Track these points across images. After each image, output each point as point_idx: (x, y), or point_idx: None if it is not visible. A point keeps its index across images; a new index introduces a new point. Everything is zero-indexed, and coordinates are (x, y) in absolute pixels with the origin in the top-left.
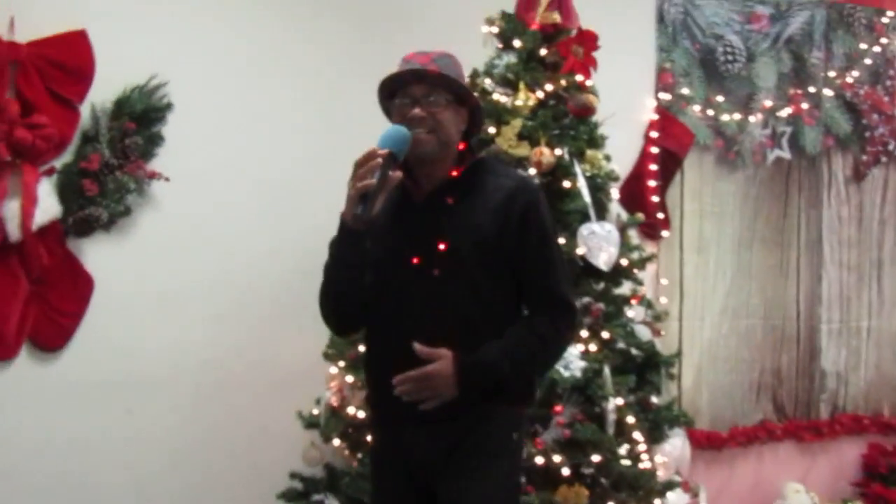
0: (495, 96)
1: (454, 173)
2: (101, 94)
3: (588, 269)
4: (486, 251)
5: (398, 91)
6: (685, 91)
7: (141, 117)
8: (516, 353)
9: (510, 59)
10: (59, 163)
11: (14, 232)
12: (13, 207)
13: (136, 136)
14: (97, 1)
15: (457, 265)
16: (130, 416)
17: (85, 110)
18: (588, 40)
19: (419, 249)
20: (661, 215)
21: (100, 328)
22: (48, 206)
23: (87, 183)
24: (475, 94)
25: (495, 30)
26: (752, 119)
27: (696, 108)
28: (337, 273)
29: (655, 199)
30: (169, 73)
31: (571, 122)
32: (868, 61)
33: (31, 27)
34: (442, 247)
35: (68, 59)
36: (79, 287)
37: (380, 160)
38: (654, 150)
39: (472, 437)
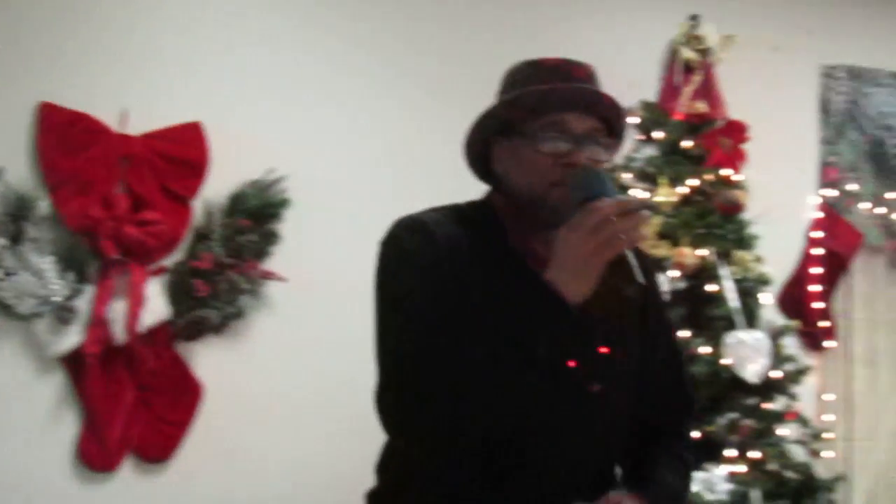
0: (634, 192)
1: None
2: (215, 189)
3: (735, 382)
4: (644, 354)
5: (536, 116)
6: (852, 187)
7: (256, 214)
8: (682, 489)
9: (651, 151)
10: (169, 261)
11: (120, 334)
12: (119, 308)
13: (250, 234)
14: (213, 92)
15: (619, 377)
16: None
17: (198, 206)
18: (737, 132)
19: (572, 352)
20: (825, 323)
21: (208, 439)
22: (157, 308)
23: (199, 283)
24: None
25: (635, 120)
26: None
27: (865, 205)
28: (510, 382)
29: (819, 305)
30: (287, 167)
31: (718, 220)
32: None
33: (144, 119)
34: (605, 351)
35: (182, 152)
36: (187, 394)
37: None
38: (818, 251)
39: None
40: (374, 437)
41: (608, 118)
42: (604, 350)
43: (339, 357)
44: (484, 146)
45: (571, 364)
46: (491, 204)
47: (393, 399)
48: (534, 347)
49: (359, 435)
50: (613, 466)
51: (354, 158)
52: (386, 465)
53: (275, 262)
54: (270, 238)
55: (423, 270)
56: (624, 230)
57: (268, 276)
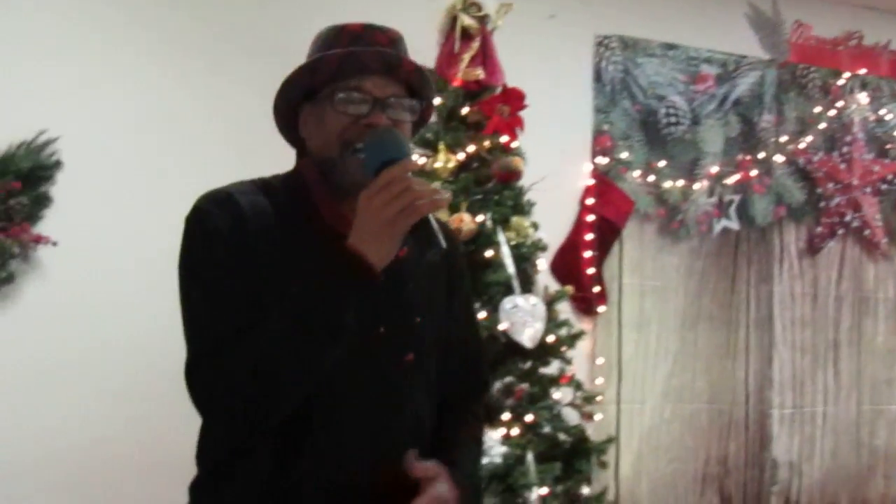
0: (413, 157)
1: None
2: None
3: (511, 347)
4: (441, 323)
5: (337, 80)
6: (624, 155)
7: (27, 176)
8: (478, 470)
9: None
10: None
11: None
12: None
13: (21, 197)
14: None
15: (427, 346)
16: None
17: None
18: (514, 99)
19: (381, 318)
20: (597, 289)
21: None
22: None
23: None
24: None
25: None
26: (696, 186)
27: (636, 173)
28: (318, 351)
29: (591, 271)
30: (59, 128)
31: (495, 186)
32: (822, 126)
33: None
34: (418, 319)
35: None
36: None
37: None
38: (591, 218)
39: None
40: (143, 401)
41: (410, 82)
42: (416, 318)
43: (111, 321)
44: (290, 111)
45: (382, 332)
46: (299, 173)
47: (200, 375)
48: (341, 314)
49: (130, 399)
50: (427, 437)
51: (126, 121)
52: (202, 452)
53: (46, 225)
54: (42, 201)
55: (227, 243)
56: (425, 194)
57: (38, 239)
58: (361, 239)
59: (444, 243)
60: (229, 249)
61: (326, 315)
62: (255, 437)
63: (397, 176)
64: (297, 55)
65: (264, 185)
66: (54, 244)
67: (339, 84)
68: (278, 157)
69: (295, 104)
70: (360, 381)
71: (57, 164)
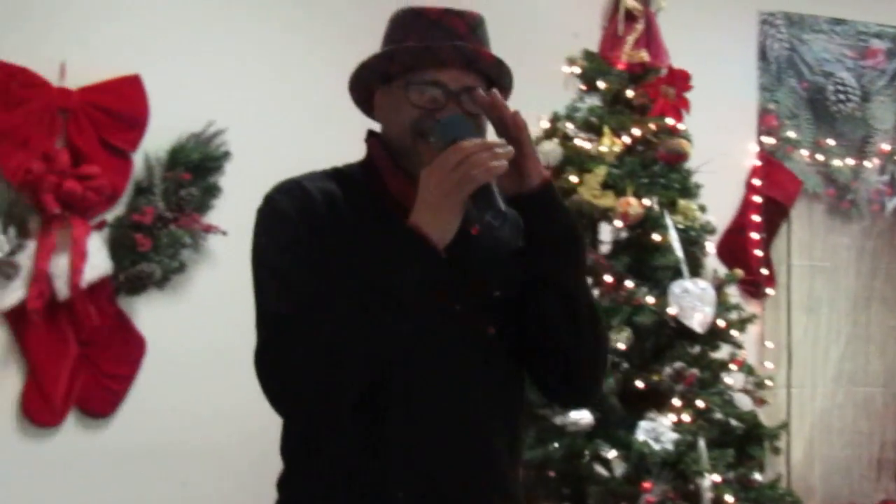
0: (577, 142)
1: None
2: (156, 142)
3: (681, 331)
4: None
5: (412, 71)
6: (791, 134)
7: (197, 167)
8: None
9: (594, 101)
10: (110, 216)
11: (62, 290)
12: (62, 264)
13: (191, 187)
14: (152, 45)
15: (509, 319)
16: (185, 489)
17: (138, 160)
18: (680, 80)
19: (456, 294)
20: (765, 271)
21: (152, 393)
22: (98, 262)
23: (140, 237)
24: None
25: (577, 70)
26: (867, 164)
27: (804, 152)
28: (380, 329)
29: (759, 253)
30: (226, 120)
31: (661, 169)
32: None
33: (82, 72)
34: (497, 294)
35: (121, 105)
36: (130, 349)
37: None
38: (757, 199)
39: None
40: None
41: (488, 72)
42: (495, 292)
43: None
44: (366, 93)
45: (458, 309)
46: (370, 156)
47: (269, 357)
48: (401, 291)
49: None
50: (514, 411)
51: (292, 110)
52: (286, 446)
53: (216, 215)
54: (211, 191)
55: (294, 227)
56: (482, 163)
57: (209, 229)
58: (421, 214)
59: (502, 206)
60: (297, 233)
61: (387, 292)
62: (331, 425)
63: (458, 150)
64: None
65: (336, 173)
66: (224, 233)
67: (415, 75)
68: None
69: (370, 86)
70: (439, 360)
71: (226, 155)
